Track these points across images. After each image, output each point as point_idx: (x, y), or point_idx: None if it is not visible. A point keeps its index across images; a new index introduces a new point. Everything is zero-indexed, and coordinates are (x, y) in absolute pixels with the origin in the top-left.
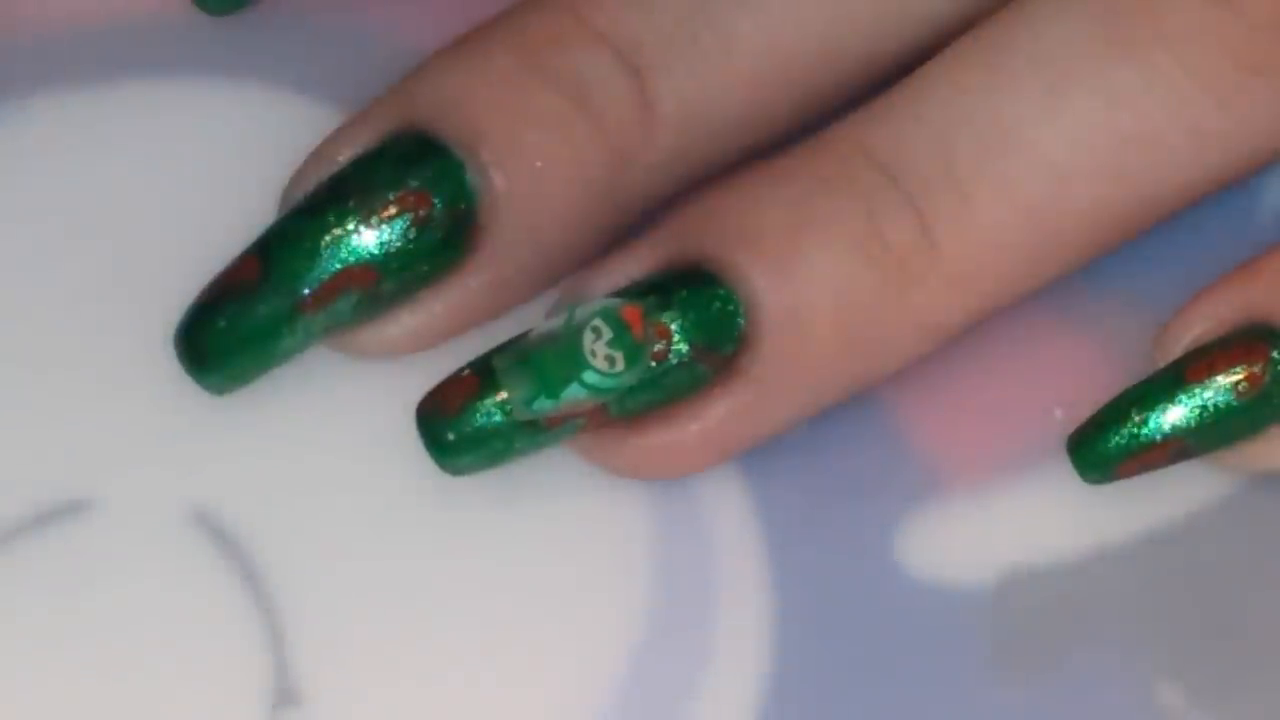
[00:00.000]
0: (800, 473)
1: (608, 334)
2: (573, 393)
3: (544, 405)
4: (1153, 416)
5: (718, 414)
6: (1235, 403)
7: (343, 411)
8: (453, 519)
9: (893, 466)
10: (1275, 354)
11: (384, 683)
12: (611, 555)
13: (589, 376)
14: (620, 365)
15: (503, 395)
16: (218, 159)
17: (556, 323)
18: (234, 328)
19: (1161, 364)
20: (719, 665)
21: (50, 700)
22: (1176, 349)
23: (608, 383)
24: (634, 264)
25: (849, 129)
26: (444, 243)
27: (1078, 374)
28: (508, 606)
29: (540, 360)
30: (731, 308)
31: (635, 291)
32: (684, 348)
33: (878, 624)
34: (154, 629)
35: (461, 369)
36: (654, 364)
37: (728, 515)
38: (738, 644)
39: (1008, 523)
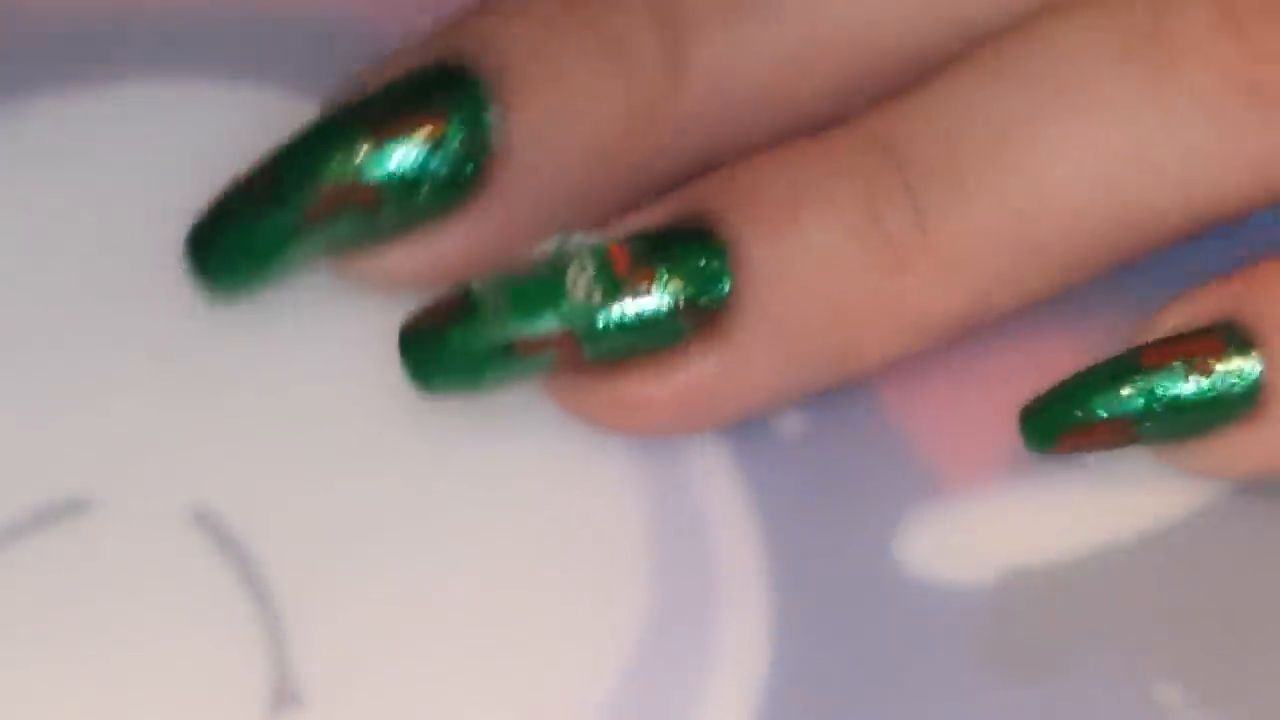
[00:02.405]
0: (800, 472)
1: (591, 268)
2: (547, 320)
3: (518, 329)
4: (1101, 395)
5: (695, 371)
6: (1185, 394)
7: (343, 412)
8: (454, 520)
9: (893, 466)
10: (1231, 349)
11: (384, 683)
12: (611, 555)
13: (565, 306)
14: (598, 300)
15: (481, 317)
16: (217, 159)
17: (544, 249)
18: (238, 235)
19: None
20: (719, 665)
21: (50, 701)
22: (1146, 340)
23: (583, 314)
24: (640, 221)
25: (865, 119)
26: (456, 172)
27: None
28: (508, 606)
29: (520, 285)
30: (718, 264)
31: (629, 236)
32: (667, 297)
33: (877, 624)
34: (153, 629)
35: (442, 292)
36: (634, 305)
37: (727, 515)
38: (738, 644)
39: (1007, 523)
